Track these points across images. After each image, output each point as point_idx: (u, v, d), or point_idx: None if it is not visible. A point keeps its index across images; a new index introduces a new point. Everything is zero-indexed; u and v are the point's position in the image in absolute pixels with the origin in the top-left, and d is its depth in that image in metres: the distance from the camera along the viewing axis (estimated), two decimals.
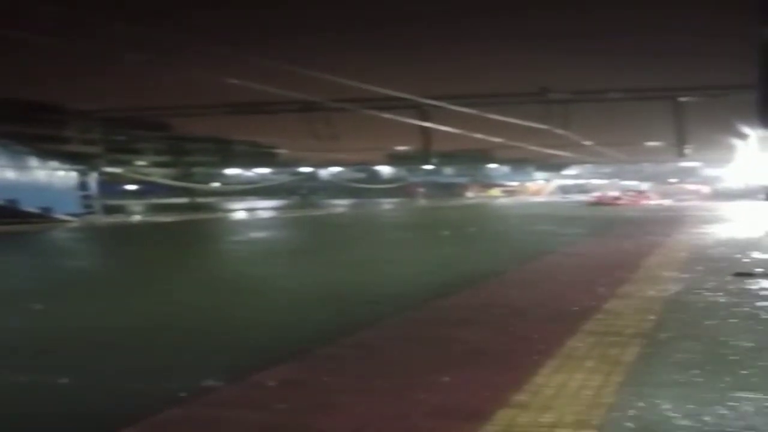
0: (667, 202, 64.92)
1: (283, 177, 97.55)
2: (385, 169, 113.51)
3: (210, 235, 35.48)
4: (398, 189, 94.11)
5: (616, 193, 71.03)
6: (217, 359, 7.76)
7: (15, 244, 30.59)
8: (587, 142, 66.30)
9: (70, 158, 49.97)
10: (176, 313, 11.08)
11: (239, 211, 61.19)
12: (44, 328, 10.14)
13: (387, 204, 76.40)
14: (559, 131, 54.27)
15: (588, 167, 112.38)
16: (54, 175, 44.85)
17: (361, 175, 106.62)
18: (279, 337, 8.87)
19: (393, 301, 10.85)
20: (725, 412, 4.97)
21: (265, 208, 65.54)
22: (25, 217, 40.17)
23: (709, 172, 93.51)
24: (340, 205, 74.17)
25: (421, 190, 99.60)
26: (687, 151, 63.26)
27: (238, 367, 6.75)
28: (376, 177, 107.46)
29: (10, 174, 41.62)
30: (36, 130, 60.94)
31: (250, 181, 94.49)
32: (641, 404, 5.13)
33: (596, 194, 73.52)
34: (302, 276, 15.65)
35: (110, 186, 59.24)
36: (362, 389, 5.66)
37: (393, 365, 6.40)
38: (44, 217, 41.69)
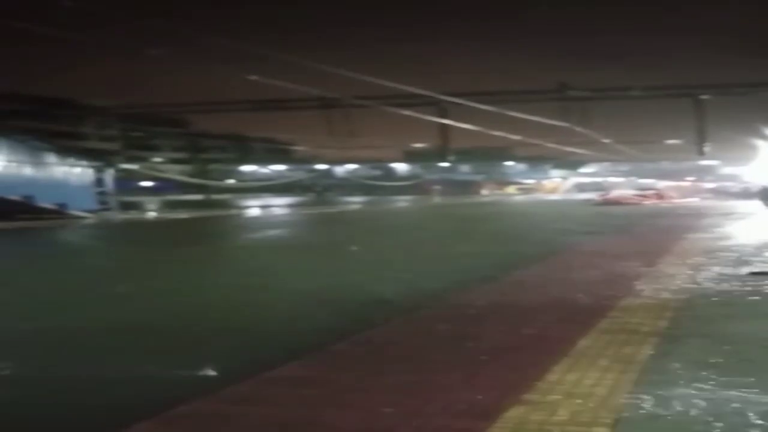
0: (684, 200, 63.90)
1: (299, 174, 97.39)
2: (400, 167, 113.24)
3: (224, 232, 35.32)
4: (413, 186, 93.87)
5: (629, 192, 69.18)
6: (233, 355, 7.78)
7: (33, 240, 30.51)
8: (606, 140, 65.68)
9: (87, 154, 49.87)
10: (192, 311, 11.01)
11: (254, 208, 61.08)
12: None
13: (401, 201, 76.37)
14: (578, 129, 53.75)
15: (605, 165, 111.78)
16: (70, 172, 44.81)
17: (377, 172, 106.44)
18: (292, 334, 8.84)
19: (405, 298, 10.84)
20: (742, 411, 4.85)
21: (280, 205, 65.56)
22: (41, 213, 40.21)
23: (728, 170, 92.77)
24: (355, 202, 74.10)
25: (437, 187, 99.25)
26: (706, 149, 62.45)
27: (253, 363, 6.72)
28: (391, 174, 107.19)
29: (27, 170, 41.54)
30: (54, 126, 60.87)
31: (265, 178, 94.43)
32: (655, 403, 5.04)
33: (607, 192, 70.69)
34: (315, 273, 15.51)
35: (125, 182, 59.12)
36: (373, 386, 5.62)
37: (405, 362, 6.38)
38: (59, 213, 41.72)
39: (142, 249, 25.42)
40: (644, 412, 4.88)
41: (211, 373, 6.86)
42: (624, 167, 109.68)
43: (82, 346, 8.52)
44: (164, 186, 78.01)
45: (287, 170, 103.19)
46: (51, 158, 44.17)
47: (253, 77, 30.42)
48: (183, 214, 49.72)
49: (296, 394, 5.46)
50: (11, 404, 6.32)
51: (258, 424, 4.86)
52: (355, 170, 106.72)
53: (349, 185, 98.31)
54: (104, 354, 8.09)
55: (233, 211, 55.39)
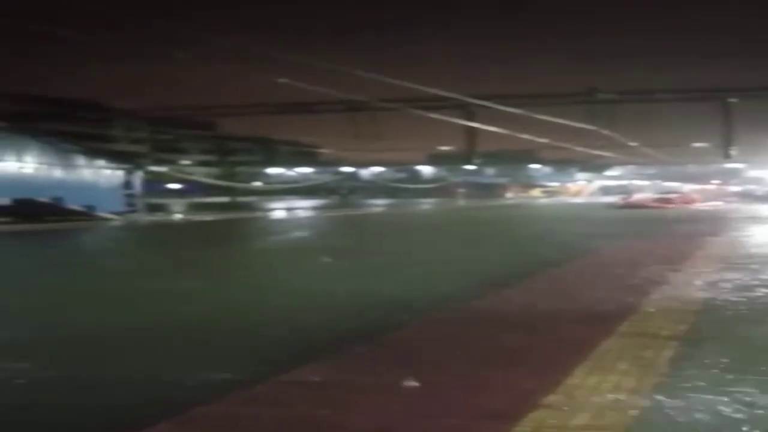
0: (709, 204, 63.20)
1: (324, 177, 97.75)
2: (425, 169, 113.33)
3: (249, 234, 35.58)
4: (438, 189, 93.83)
5: (653, 195, 68.25)
6: (256, 355, 7.80)
7: (63, 242, 30.89)
8: (632, 143, 65.27)
9: (115, 157, 50.43)
10: (213, 313, 10.98)
11: (279, 210, 61.38)
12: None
13: (426, 204, 76.36)
14: (605, 132, 53.55)
15: (631, 168, 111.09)
16: (99, 174, 45.31)
17: (402, 175, 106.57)
18: (312, 335, 8.85)
19: (427, 301, 10.85)
20: (763, 417, 4.85)
21: (305, 207, 65.81)
22: (69, 214, 40.67)
23: (754, 174, 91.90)
24: (379, 205, 74.21)
25: (461, 190, 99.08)
26: (733, 152, 61.88)
27: (270, 365, 6.81)
28: (416, 177, 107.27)
29: (57, 172, 42.08)
30: (83, 128, 61.55)
31: (291, 180, 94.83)
32: (675, 407, 5.07)
33: (629, 195, 69.62)
34: (338, 275, 15.62)
35: (152, 184, 59.65)
36: (391, 388, 5.68)
37: (423, 365, 6.42)
38: (87, 215, 42.17)
39: (171, 250, 25.73)
40: (663, 416, 4.91)
41: (223, 375, 6.84)
42: (649, 170, 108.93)
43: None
44: (190, 188, 78.57)
45: (312, 173, 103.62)
46: (80, 160, 44.72)
47: (281, 80, 30.60)
48: (209, 217, 50.11)
49: (315, 395, 5.53)
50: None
51: (272, 425, 4.92)
52: (380, 173, 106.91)
53: (374, 188, 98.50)
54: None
55: (259, 214, 55.71)
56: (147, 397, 6.26)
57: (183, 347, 8.49)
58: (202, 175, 76.59)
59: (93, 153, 47.13)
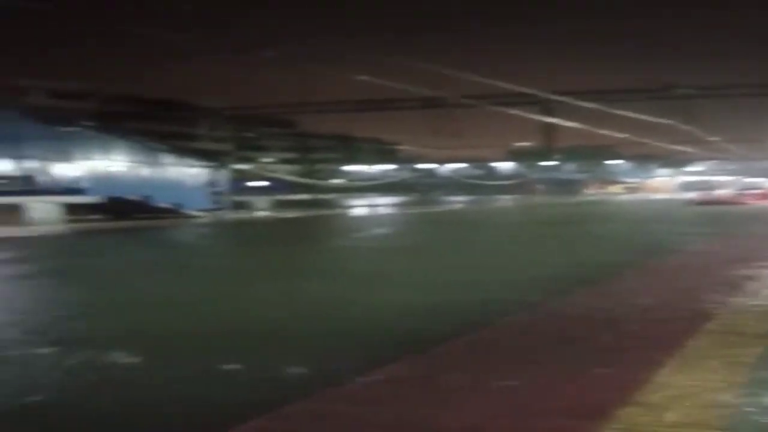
0: None
1: (403, 174, 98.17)
2: (503, 166, 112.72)
3: (333, 230, 36.15)
4: (516, 186, 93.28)
5: (733, 191, 66.27)
6: (345, 354, 7.91)
7: (155, 238, 31.94)
8: (713, 138, 63.93)
9: (201, 155, 51.67)
10: (306, 308, 11.30)
11: (359, 207, 61.91)
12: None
13: (504, 201, 75.90)
14: (685, 127, 52.72)
15: (712, 164, 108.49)
16: (186, 172, 46.46)
17: (480, 171, 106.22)
18: (403, 333, 8.96)
19: (512, 299, 10.91)
20: None
21: (384, 204, 66.14)
22: (157, 212, 41.95)
23: None
24: (458, 201, 74.11)
25: (540, 186, 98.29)
26: None
27: (363, 362, 6.87)
28: (494, 173, 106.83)
29: (146, 171, 43.37)
30: (170, 127, 63.19)
31: (370, 177, 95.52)
32: (764, 406, 5.09)
33: (709, 192, 67.57)
34: (426, 271, 15.83)
35: (235, 182, 60.87)
36: (480, 387, 5.76)
37: (512, 363, 6.53)
38: (175, 212, 43.35)
39: (261, 247, 26.48)
40: (756, 413, 4.95)
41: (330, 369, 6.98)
42: (731, 166, 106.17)
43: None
44: (272, 186, 79.83)
45: (391, 170, 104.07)
46: (168, 159, 45.96)
47: (362, 78, 31.10)
48: (292, 213, 50.87)
49: (405, 393, 5.65)
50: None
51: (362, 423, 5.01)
52: (458, 170, 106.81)
53: (452, 185, 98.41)
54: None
55: (339, 211, 56.30)
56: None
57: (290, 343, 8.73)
58: (284, 172, 77.74)
59: (180, 152, 48.39)
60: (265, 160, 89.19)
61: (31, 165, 37.19)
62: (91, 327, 10.50)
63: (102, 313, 11.67)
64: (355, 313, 10.66)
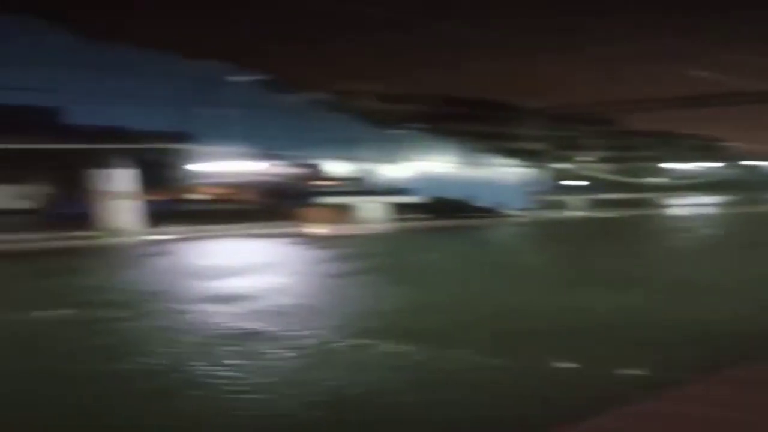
0: None
1: (726, 171, 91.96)
2: None
3: (657, 230, 34.72)
4: None
5: None
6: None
7: (476, 237, 32.68)
8: None
9: (519, 155, 51.89)
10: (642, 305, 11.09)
11: (679, 206, 58.99)
12: None
13: None
14: None
15: None
16: (504, 172, 46.85)
17: None
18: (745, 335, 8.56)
19: None
20: None
21: (706, 203, 62.55)
22: (476, 212, 42.72)
23: None
24: None
25: None
26: None
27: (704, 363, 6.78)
28: None
29: (467, 171, 44.32)
30: (491, 128, 64.31)
31: (691, 175, 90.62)
32: None
33: None
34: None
35: (551, 182, 60.43)
36: None
37: None
38: (494, 212, 43.89)
39: (582, 248, 26.11)
40: None
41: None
42: None
43: None
44: (587, 185, 78.29)
45: (711, 168, 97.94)
46: (487, 159, 46.58)
47: (696, 73, 29.42)
48: (609, 213, 49.63)
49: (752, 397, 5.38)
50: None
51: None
52: None
53: None
54: None
55: (658, 210, 54.04)
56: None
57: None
58: (600, 171, 76.05)
59: (499, 152, 48.88)
60: (582, 158, 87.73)
61: (362, 167, 39.41)
62: (423, 321, 10.99)
63: (430, 309, 12.22)
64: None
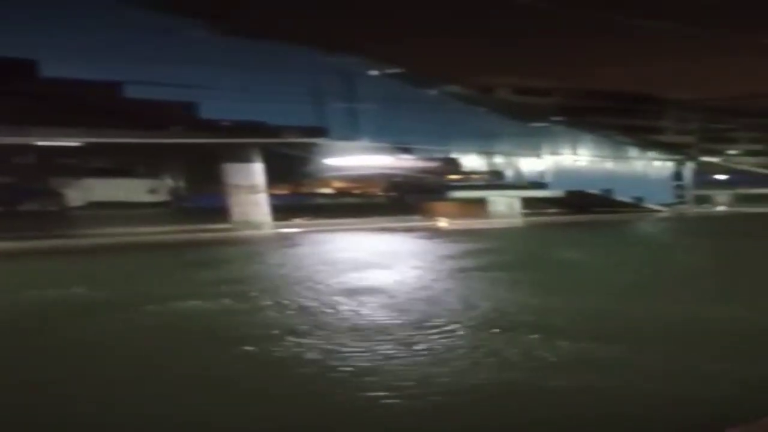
0: None
1: None
2: None
3: None
4: None
5: None
6: None
7: (613, 232, 31.35)
8: None
9: (664, 148, 49.76)
10: None
11: None
12: None
13: None
14: None
15: None
16: (649, 166, 45.06)
17: None
18: None
19: None
20: None
21: None
22: (618, 206, 41.22)
23: None
24: None
25: None
26: None
27: None
28: None
29: (607, 165, 42.77)
30: (633, 121, 62.31)
31: None
32: None
33: None
34: None
35: (697, 176, 57.81)
36: None
37: None
38: (635, 206, 42.29)
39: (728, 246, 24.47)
40: None
41: None
42: None
43: None
44: (737, 179, 74.55)
45: None
46: (630, 153, 44.78)
47: None
48: (757, 209, 46.89)
49: None
50: None
51: None
52: None
53: None
54: None
55: None
56: None
57: None
58: (750, 164, 72.19)
59: (643, 145, 46.93)
60: (731, 152, 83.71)
61: (497, 160, 38.52)
62: (569, 318, 10.86)
63: (574, 307, 11.89)
64: None
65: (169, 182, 41.07)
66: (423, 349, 9.26)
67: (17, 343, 10.23)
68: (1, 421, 6.80)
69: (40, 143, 30.39)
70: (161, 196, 40.73)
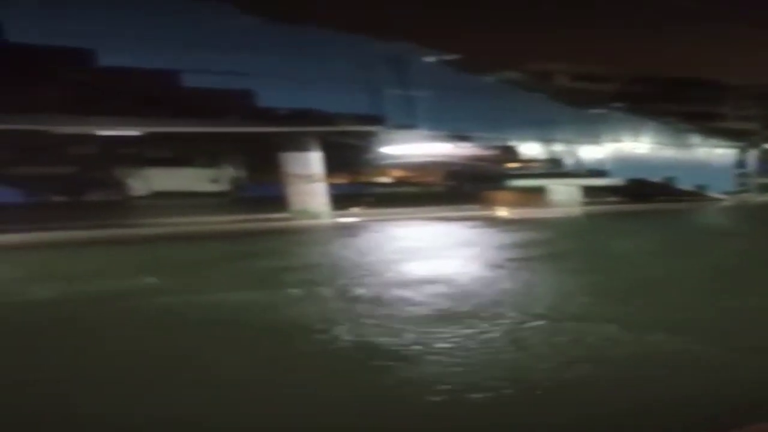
0: None
1: None
2: None
3: None
4: None
5: None
6: None
7: (675, 222, 30.86)
8: None
9: (728, 135, 48.63)
10: None
11: None
12: None
13: None
14: None
15: None
16: (711, 153, 44.10)
17: None
18: None
19: None
20: None
21: None
22: (680, 195, 40.44)
23: None
24: None
25: None
26: None
27: None
28: None
29: (670, 152, 41.97)
30: (696, 107, 60.97)
31: None
32: None
33: None
34: None
35: (762, 163, 56.55)
36: None
37: None
38: (698, 195, 41.46)
39: None
40: None
41: None
42: None
43: None
44: None
45: None
46: (693, 140, 43.85)
47: None
48: None
49: None
50: None
51: None
52: None
53: None
54: None
55: None
56: None
57: None
58: None
59: (706, 132, 45.93)
60: None
61: (555, 148, 37.97)
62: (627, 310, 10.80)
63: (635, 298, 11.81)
64: None
65: (229, 171, 41.31)
66: (490, 339, 9.23)
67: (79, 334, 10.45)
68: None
69: (100, 133, 30.77)
70: (222, 186, 41.00)
